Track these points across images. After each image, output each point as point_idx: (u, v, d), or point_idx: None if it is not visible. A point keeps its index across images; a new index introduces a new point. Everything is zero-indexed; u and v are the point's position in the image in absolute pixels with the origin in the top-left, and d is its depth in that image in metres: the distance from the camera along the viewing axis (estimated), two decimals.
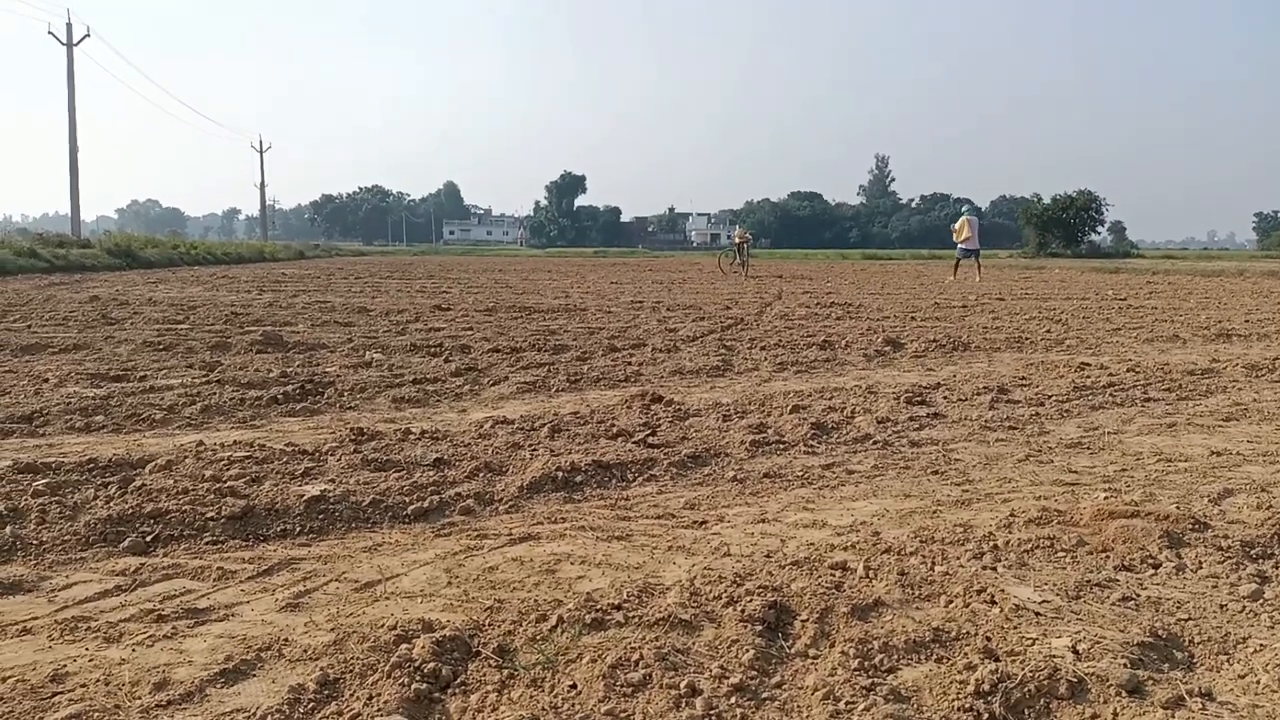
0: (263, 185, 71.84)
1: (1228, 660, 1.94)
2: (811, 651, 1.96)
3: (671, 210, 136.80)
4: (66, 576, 2.45)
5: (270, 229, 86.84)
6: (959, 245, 21.05)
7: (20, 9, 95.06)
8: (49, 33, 37.23)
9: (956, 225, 20.87)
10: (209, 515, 2.86)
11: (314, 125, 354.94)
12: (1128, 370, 6.20)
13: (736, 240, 25.31)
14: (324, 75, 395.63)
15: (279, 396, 4.85)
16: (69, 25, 37.46)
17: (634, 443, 3.94)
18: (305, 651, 1.97)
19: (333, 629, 2.10)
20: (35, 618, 2.17)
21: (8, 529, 2.71)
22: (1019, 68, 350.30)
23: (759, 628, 2.02)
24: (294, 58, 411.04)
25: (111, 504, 2.93)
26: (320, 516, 2.93)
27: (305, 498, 2.99)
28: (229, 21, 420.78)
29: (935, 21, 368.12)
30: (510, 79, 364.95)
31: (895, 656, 1.92)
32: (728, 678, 1.81)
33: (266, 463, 3.46)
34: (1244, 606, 2.22)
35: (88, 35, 38.02)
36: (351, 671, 1.86)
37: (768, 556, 2.59)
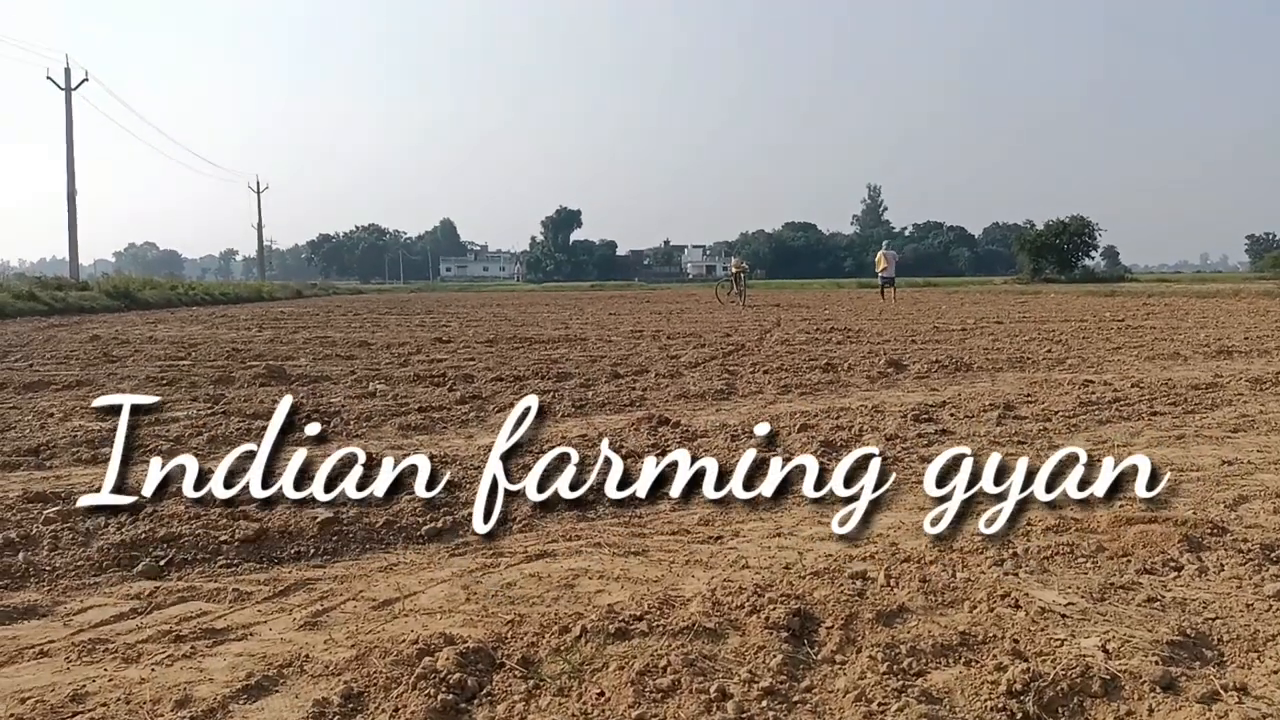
0: (260, 226, 72.32)
1: (1259, 657, 1.92)
2: (839, 657, 1.94)
3: (667, 243, 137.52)
4: (81, 601, 2.43)
5: (268, 269, 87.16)
6: (879, 274, 24.59)
7: (18, 54, 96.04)
8: (48, 77, 37.60)
9: (876, 258, 24.80)
10: (222, 539, 2.85)
11: (311, 165, 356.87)
12: (1132, 386, 6.21)
13: (733, 270, 25.59)
14: (320, 115, 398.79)
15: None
16: (67, 70, 37.81)
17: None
18: (327, 667, 1.95)
19: (353, 645, 2.08)
20: (51, 641, 2.15)
21: (20, 555, 2.70)
22: (1012, 97, 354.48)
23: (784, 634, 2.01)
24: (290, 98, 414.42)
25: (124, 530, 2.91)
26: (334, 538, 2.92)
27: (318, 520, 2.98)
28: (224, 63, 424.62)
29: (926, 53, 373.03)
30: (505, 114, 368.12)
31: (923, 660, 1.90)
32: (757, 682, 1.79)
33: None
34: (1270, 606, 2.21)
35: (86, 80, 38.40)
36: (375, 685, 1.84)
37: (787, 568, 2.57)
